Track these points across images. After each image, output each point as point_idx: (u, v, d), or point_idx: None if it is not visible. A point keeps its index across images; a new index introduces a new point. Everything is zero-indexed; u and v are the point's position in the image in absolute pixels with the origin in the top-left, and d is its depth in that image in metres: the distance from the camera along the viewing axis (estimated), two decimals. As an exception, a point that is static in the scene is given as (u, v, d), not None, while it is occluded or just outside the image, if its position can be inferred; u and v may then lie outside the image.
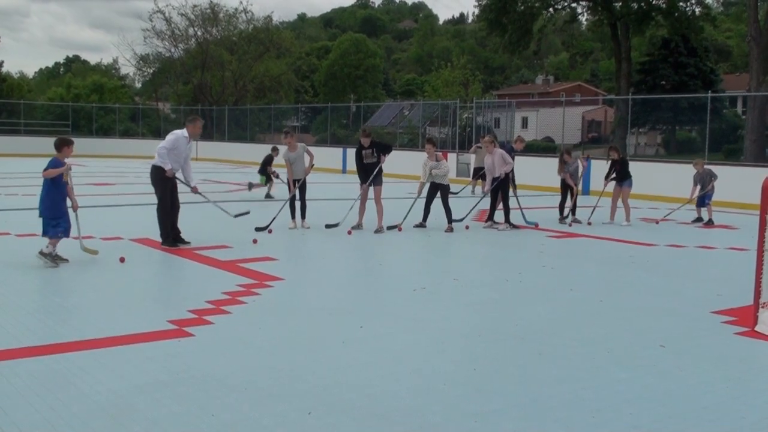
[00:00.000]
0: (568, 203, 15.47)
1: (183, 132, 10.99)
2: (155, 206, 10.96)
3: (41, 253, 8.94)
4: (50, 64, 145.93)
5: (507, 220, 13.97)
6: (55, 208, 9.02)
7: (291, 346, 6.06)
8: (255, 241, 11.12)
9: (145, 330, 6.34)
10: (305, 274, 9.29)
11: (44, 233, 9.02)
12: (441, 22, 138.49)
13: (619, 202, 15.34)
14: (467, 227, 13.95)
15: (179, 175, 11.01)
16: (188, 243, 10.90)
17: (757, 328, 6.74)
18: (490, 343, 6.32)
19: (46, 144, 39.82)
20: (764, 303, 6.82)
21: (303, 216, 13.39)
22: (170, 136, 10.93)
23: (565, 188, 15.49)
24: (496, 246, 12.16)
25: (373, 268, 10.18)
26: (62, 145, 9.23)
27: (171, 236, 10.80)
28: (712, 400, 5.04)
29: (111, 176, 25.75)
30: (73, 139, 9.67)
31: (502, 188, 13.98)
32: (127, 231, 12.05)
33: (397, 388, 5.10)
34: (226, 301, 7.41)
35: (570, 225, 14.86)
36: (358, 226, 13.26)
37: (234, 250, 10.53)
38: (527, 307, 7.72)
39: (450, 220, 13.46)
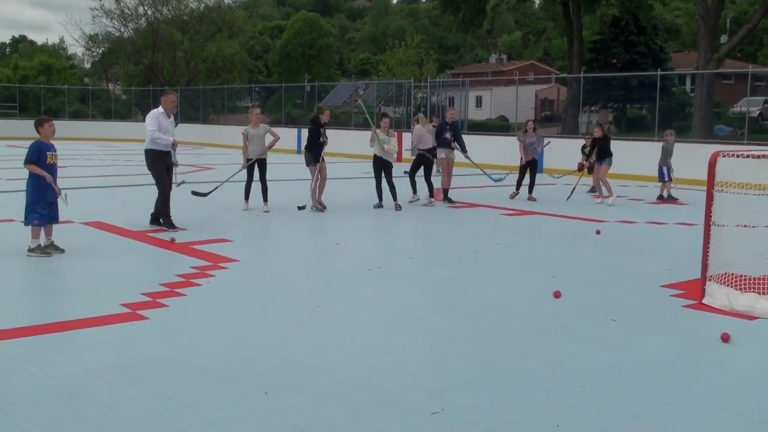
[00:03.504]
0: (526, 181, 15.61)
1: (158, 109, 10.78)
2: (155, 189, 10.84)
3: (29, 250, 8.55)
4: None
5: (431, 194, 14.28)
6: (34, 192, 8.60)
7: (246, 327, 6.05)
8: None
9: (98, 314, 6.26)
10: (260, 255, 9.26)
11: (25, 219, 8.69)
12: (395, 1, 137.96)
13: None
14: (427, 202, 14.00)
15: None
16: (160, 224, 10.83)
17: (704, 301, 6.92)
18: (446, 321, 6.38)
19: (-8, 126, 38.78)
20: (711, 276, 7.00)
21: (265, 199, 13.08)
22: (149, 119, 10.68)
23: (523, 167, 15.64)
24: (451, 224, 12.24)
25: (329, 249, 10.19)
26: (38, 125, 8.71)
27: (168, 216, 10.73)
28: (662, 371, 5.17)
29: (61, 159, 25.20)
30: (48, 117, 9.05)
31: (425, 163, 14.25)
32: (78, 214, 11.84)
33: (353, 366, 5.14)
34: (180, 284, 7.36)
35: (512, 198, 15.05)
36: (322, 207, 13.18)
37: (188, 233, 10.43)
38: (482, 284, 7.81)
39: (396, 197, 13.49)
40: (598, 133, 15.77)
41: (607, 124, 51.00)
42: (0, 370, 4.89)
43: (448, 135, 14.63)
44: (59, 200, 8.78)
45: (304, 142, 13.97)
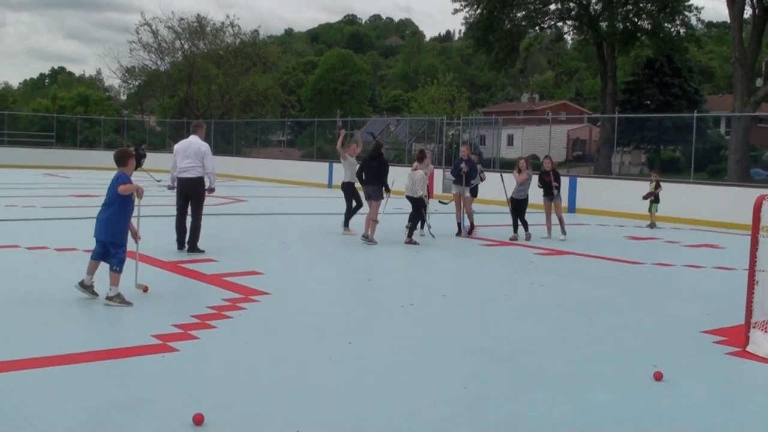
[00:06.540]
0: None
1: (199, 139, 11.34)
2: (192, 216, 11.33)
3: (108, 299, 7.62)
4: (29, 74, 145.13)
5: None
6: (121, 234, 7.82)
7: (277, 362, 5.94)
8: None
9: (129, 344, 6.21)
10: (291, 288, 9.16)
11: (110, 261, 7.76)
12: (427, 39, 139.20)
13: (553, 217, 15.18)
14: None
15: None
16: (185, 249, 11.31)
17: (748, 348, 6.69)
18: (480, 362, 6.22)
19: (30, 155, 39.62)
20: (755, 323, 6.77)
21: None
22: (209, 150, 11.24)
23: (513, 205, 14.94)
24: (484, 262, 12.08)
25: (361, 284, 10.07)
26: (128, 157, 8.01)
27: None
28: (704, 422, 4.97)
29: (94, 188, 25.48)
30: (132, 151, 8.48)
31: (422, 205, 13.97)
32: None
33: (386, 406, 5.00)
34: (211, 316, 7.28)
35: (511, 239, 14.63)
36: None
37: (219, 264, 10.39)
38: (516, 324, 7.64)
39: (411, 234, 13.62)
40: (548, 165, 15.19)
41: (640, 165, 50.69)
42: (27, 400, 4.81)
43: (463, 165, 14.81)
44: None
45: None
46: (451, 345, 6.76)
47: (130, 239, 8.01)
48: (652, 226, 18.27)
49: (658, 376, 5.79)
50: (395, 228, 14.27)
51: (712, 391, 5.63)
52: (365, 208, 14.03)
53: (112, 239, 7.76)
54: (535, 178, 15.28)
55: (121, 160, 7.96)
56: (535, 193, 15.31)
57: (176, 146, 11.35)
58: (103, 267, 7.81)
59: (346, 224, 14.34)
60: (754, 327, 6.76)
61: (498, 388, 5.50)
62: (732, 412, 5.21)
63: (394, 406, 5.02)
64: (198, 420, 4.49)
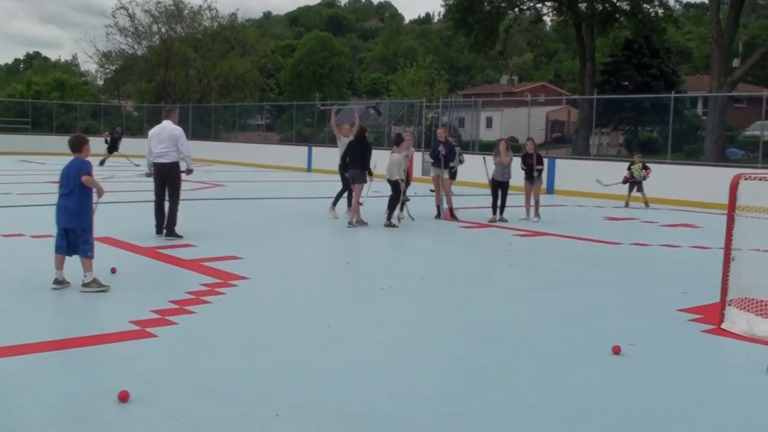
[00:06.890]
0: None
1: (172, 124, 11.27)
2: (169, 201, 11.24)
3: (85, 285, 7.53)
4: (3, 60, 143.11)
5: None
6: (88, 219, 7.74)
7: (257, 346, 5.93)
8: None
9: (107, 331, 6.17)
10: (271, 273, 9.15)
11: (78, 251, 7.63)
12: (406, 21, 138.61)
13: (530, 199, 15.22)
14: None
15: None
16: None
17: (723, 326, 6.77)
18: (461, 343, 6.25)
19: (5, 141, 39.12)
20: (730, 301, 6.85)
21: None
22: (182, 134, 11.19)
23: (496, 187, 15.00)
24: (463, 244, 12.12)
25: (340, 267, 10.07)
26: (83, 143, 7.93)
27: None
28: (682, 398, 5.03)
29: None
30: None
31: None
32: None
33: (367, 389, 5.01)
34: (189, 301, 7.25)
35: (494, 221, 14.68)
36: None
37: (197, 249, 10.35)
38: (496, 305, 7.69)
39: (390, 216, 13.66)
40: (530, 148, 15.15)
41: (618, 146, 50.94)
42: (5, 388, 4.78)
43: (441, 148, 14.82)
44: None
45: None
46: (433, 327, 6.79)
47: None
48: (645, 204, 18.69)
49: (616, 350, 5.91)
50: (375, 211, 14.27)
51: (688, 368, 5.69)
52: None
53: (78, 226, 7.65)
54: (517, 160, 15.31)
55: (75, 146, 7.88)
56: (516, 175, 15.34)
57: (150, 132, 11.32)
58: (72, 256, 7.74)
59: (333, 205, 14.42)
60: (729, 305, 6.84)
61: (479, 369, 5.52)
62: (707, 389, 5.27)
63: (376, 388, 5.03)
64: (123, 397, 4.55)
